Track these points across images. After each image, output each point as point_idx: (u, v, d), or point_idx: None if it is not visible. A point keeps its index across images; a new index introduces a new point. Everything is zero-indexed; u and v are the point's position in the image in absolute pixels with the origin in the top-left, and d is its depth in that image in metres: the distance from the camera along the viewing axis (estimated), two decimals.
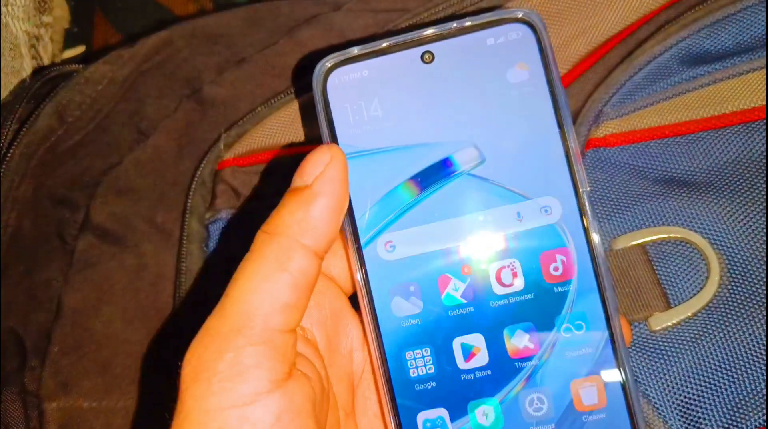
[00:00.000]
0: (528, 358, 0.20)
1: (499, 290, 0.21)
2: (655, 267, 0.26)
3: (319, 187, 0.19)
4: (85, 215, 0.31)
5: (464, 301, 0.21)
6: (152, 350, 0.30)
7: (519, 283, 0.21)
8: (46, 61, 0.35)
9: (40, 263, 0.31)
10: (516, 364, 0.20)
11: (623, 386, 0.20)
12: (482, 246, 0.21)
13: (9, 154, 0.31)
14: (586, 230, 0.21)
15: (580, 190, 0.21)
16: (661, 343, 0.25)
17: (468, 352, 0.20)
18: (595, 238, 0.21)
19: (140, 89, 0.31)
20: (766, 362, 0.24)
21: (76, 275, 0.30)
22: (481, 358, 0.20)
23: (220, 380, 0.17)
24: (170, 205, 0.31)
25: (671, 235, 0.26)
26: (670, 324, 0.25)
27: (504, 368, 0.20)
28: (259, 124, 0.31)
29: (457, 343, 0.20)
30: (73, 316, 0.30)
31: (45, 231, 0.31)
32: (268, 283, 0.18)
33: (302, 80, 0.31)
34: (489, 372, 0.20)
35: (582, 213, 0.21)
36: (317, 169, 0.19)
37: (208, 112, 0.31)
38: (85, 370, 0.29)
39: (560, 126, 0.21)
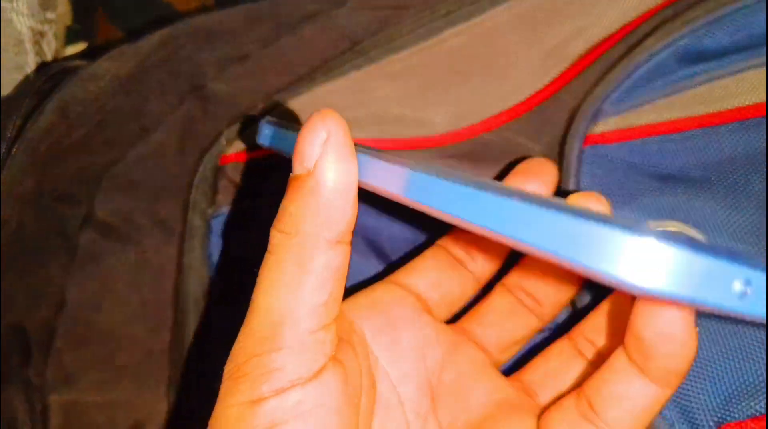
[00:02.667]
0: None
1: None
2: None
3: (323, 171, 0.17)
4: (87, 211, 0.31)
5: None
6: (154, 344, 0.30)
7: None
8: (50, 58, 0.35)
9: (42, 258, 0.31)
10: None
11: None
12: None
13: (13, 150, 0.31)
14: None
15: None
16: None
17: None
18: None
19: (143, 85, 0.31)
20: (764, 354, 0.24)
21: (79, 270, 0.31)
22: None
23: (245, 381, 0.17)
24: (172, 200, 0.31)
25: (668, 230, 0.26)
26: None
27: None
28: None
29: None
30: (76, 311, 0.30)
31: (47, 226, 0.31)
32: (292, 289, 0.17)
33: (304, 77, 0.31)
34: None
35: None
36: (316, 149, 0.17)
37: (211, 108, 0.31)
38: (88, 363, 0.30)
39: None
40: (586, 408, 0.18)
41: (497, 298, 0.25)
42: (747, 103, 0.27)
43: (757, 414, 0.24)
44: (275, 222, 0.18)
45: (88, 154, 0.31)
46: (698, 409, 0.24)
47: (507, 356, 0.25)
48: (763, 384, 0.24)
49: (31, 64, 0.34)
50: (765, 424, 0.23)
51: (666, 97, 0.29)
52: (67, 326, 0.30)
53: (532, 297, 0.25)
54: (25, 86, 0.32)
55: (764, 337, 0.24)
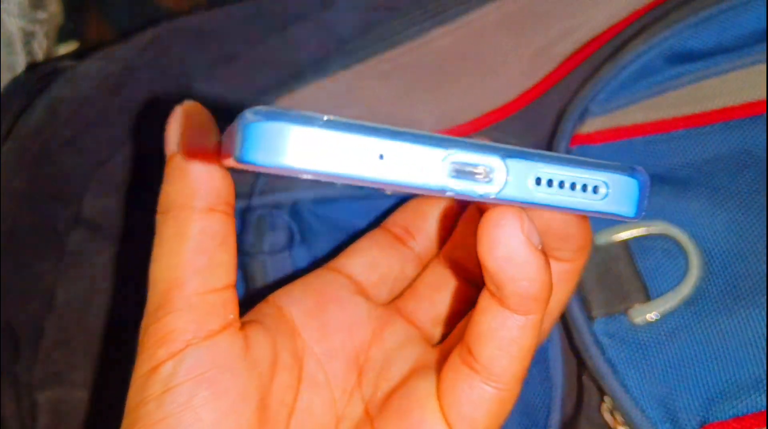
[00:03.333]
0: None
1: None
2: (636, 261, 0.26)
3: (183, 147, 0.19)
4: (77, 210, 0.31)
5: None
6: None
7: None
8: (41, 58, 0.35)
9: (33, 257, 0.31)
10: None
11: None
12: None
13: (2, 149, 0.31)
14: None
15: None
16: (641, 335, 0.25)
17: None
18: None
19: (132, 85, 0.31)
20: (748, 355, 0.24)
21: (69, 269, 0.31)
22: None
23: (145, 350, 0.18)
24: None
25: (652, 229, 0.27)
26: (650, 316, 0.25)
27: None
28: None
29: None
30: (65, 309, 0.30)
31: (38, 225, 0.31)
32: (174, 255, 0.18)
33: (293, 77, 0.31)
34: None
35: None
36: (175, 131, 0.19)
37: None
38: (77, 361, 0.30)
39: None
40: (465, 353, 0.18)
41: (429, 273, 0.25)
42: (732, 103, 0.27)
43: (740, 414, 0.24)
44: (157, 208, 0.19)
45: (77, 153, 0.31)
46: (681, 409, 0.24)
47: (442, 330, 0.25)
48: (746, 384, 0.24)
49: (21, 64, 0.34)
50: (747, 424, 0.23)
51: (652, 98, 0.29)
52: (56, 323, 0.30)
53: (464, 268, 0.24)
54: (15, 86, 0.32)
55: (748, 339, 0.25)
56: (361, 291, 0.24)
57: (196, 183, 0.18)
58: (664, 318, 0.25)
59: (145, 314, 0.19)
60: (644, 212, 0.16)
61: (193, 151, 0.19)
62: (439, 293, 0.25)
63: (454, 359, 0.19)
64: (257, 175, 0.31)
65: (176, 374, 0.17)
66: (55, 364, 0.30)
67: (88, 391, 0.29)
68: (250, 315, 0.22)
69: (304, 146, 0.13)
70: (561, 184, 0.15)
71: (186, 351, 0.18)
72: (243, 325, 0.20)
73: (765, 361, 0.24)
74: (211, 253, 0.18)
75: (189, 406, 0.17)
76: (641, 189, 0.16)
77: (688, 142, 0.27)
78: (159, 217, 0.19)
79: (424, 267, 0.26)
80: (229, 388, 0.18)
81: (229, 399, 0.18)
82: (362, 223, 0.29)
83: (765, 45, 0.27)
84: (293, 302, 0.23)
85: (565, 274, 0.20)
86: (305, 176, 0.14)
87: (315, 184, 0.30)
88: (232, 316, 0.19)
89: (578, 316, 0.26)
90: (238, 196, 0.32)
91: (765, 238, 0.25)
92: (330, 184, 0.29)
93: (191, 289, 0.18)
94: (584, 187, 0.15)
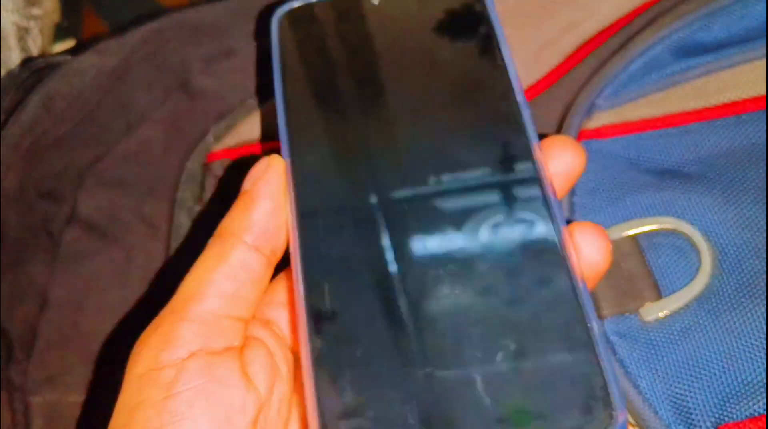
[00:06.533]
0: None
1: None
2: (646, 258, 0.26)
3: (259, 190, 0.21)
4: (71, 208, 0.31)
5: None
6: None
7: None
8: (36, 53, 0.35)
9: (25, 256, 0.31)
10: None
11: None
12: None
13: None
14: None
15: None
16: (652, 334, 0.25)
17: None
18: None
19: (128, 80, 0.31)
20: (766, 352, 0.24)
21: (63, 268, 0.30)
22: None
23: (148, 350, 0.18)
24: (158, 198, 0.31)
25: (663, 225, 0.26)
26: (661, 315, 0.25)
27: None
28: (249, 117, 0.30)
29: None
30: (60, 310, 0.30)
31: (31, 224, 0.31)
32: (207, 273, 0.19)
33: None
34: None
35: None
36: (257, 175, 0.21)
37: (197, 104, 0.31)
38: (71, 364, 0.29)
39: None
40: None
41: None
42: (744, 96, 0.27)
43: (756, 414, 0.23)
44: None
45: (72, 150, 0.31)
46: (695, 409, 0.24)
47: None
48: (761, 384, 0.23)
49: (16, 60, 0.33)
50: (764, 424, 0.23)
51: (661, 91, 0.28)
52: (49, 326, 0.29)
53: None
54: (8, 81, 0.32)
55: (762, 338, 0.24)
56: None
57: (254, 221, 0.20)
58: (676, 316, 0.25)
59: (159, 314, 0.19)
60: None
61: (259, 191, 0.21)
62: None
63: None
64: None
65: (177, 382, 0.18)
66: (49, 367, 0.29)
67: (83, 394, 0.28)
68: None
69: None
70: None
71: (189, 360, 0.18)
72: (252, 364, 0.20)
73: None
74: (240, 285, 0.19)
75: (188, 416, 0.18)
76: None
77: (699, 136, 0.27)
78: (211, 239, 0.20)
79: None
80: (225, 400, 0.18)
81: (225, 410, 0.18)
82: None
83: None
84: (280, 316, 0.22)
85: None
86: None
87: None
88: (236, 343, 0.19)
89: None
90: (236, 194, 0.31)
91: None
92: None
93: (209, 306, 0.19)
94: None
